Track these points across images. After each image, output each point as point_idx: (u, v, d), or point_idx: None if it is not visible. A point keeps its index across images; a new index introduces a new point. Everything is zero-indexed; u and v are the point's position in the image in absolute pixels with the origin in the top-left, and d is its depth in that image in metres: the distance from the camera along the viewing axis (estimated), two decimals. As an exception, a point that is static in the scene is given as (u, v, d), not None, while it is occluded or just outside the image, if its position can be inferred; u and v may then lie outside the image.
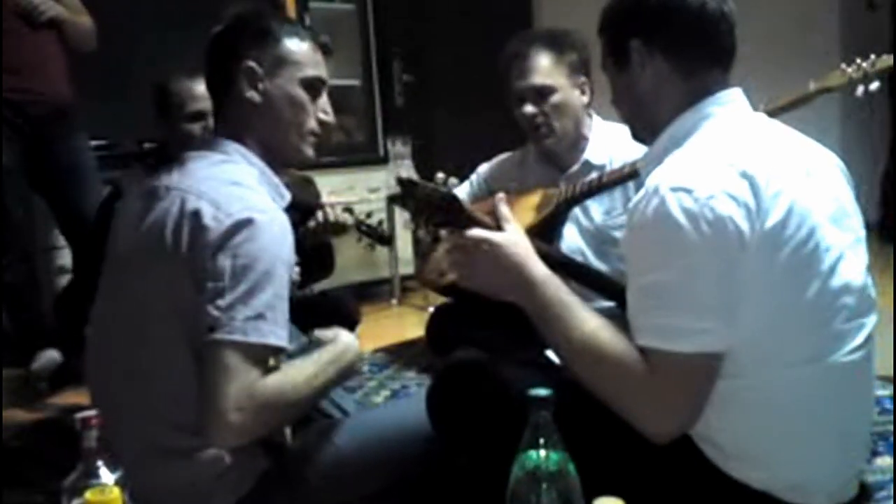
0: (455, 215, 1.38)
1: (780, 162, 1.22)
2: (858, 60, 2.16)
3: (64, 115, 2.93)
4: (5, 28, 2.76)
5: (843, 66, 2.18)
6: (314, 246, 2.25)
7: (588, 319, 1.25)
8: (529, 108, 2.26)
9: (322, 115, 1.53)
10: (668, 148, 1.28)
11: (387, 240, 2.03)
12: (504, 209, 1.37)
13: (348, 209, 2.08)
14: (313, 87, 1.52)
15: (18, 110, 2.83)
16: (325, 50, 1.55)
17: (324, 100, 1.54)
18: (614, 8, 1.36)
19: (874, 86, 2.13)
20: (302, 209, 2.02)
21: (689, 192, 1.15)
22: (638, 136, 1.41)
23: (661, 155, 1.28)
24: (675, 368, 1.16)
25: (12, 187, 2.84)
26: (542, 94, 2.24)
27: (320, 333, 1.52)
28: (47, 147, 2.90)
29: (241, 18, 1.51)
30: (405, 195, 1.37)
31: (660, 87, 1.31)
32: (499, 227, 1.35)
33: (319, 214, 2.12)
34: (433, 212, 1.38)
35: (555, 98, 2.24)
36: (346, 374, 1.48)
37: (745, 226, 1.14)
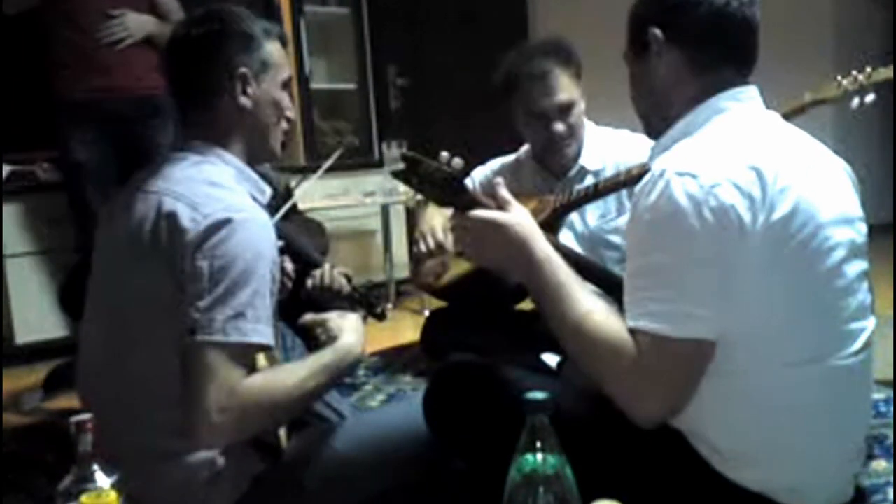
0: (457, 195, 1.38)
1: (789, 160, 1.22)
2: (854, 72, 2.16)
3: (155, 108, 2.95)
4: (89, 32, 2.87)
5: (839, 77, 2.17)
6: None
7: (584, 301, 1.26)
8: (559, 127, 2.26)
9: (289, 114, 1.55)
10: (678, 138, 1.29)
11: (381, 316, 1.98)
12: (504, 192, 1.36)
13: (347, 276, 2.00)
14: (286, 86, 1.54)
15: (105, 108, 2.91)
16: (284, 43, 1.56)
17: (288, 98, 1.55)
18: None
19: (869, 98, 2.13)
20: (303, 261, 1.96)
21: (694, 177, 1.15)
22: (653, 132, 1.41)
23: (670, 145, 1.29)
24: (664, 352, 1.17)
25: (95, 181, 2.89)
26: (564, 110, 2.25)
27: (317, 317, 1.51)
28: (148, 142, 2.94)
29: (222, 22, 1.47)
30: (409, 172, 1.36)
31: (674, 78, 1.32)
32: (500, 209, 1.35)
33: (317, 274, 2.07)
34: (435, 190, 1.38)
35: (575, 111, 2.27)
36: (342, 377, 1.48)
37: (747, 217, 1.15)
